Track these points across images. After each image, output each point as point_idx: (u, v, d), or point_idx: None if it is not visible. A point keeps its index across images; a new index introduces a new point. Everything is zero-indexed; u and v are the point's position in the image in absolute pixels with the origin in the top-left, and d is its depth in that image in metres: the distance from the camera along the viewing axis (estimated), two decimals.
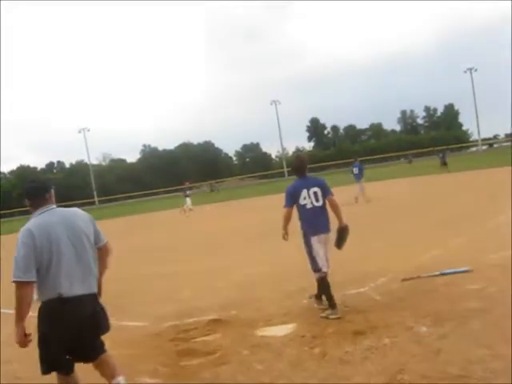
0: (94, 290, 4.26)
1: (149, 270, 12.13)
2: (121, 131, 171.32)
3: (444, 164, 40.44)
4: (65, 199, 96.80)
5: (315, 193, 6.56)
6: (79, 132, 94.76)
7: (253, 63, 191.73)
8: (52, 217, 4.16)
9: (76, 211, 4.42)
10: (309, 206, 6.54)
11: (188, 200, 34.03)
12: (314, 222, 6.58)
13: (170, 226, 27.04)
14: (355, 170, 24.84)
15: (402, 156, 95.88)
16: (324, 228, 6.64)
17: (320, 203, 6.59)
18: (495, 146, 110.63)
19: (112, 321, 7.48)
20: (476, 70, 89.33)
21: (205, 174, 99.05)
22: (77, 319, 4.06)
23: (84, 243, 4.17)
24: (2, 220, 76.37)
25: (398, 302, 6.52)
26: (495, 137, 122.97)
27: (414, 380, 4.18)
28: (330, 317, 6.25)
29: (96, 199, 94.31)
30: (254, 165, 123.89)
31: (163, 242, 18.77)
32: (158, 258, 14.26)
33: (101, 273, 4.41)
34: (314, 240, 6.55)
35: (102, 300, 4.40)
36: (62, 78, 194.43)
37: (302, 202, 6.54)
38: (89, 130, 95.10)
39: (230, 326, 6.56)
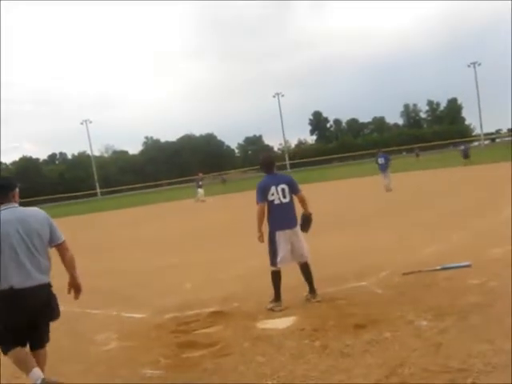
0: (45, 280, 4.70)
1: (150, 262, 12.15)
2: (123, 123, 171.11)
3: (467, 157, 39.75)
4: (67, 191, 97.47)
5: (283, 189, 6.75)
6: (81, 123, 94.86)
7: (256, 55, 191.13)
8: (10, 215, 4.54)
9: (33, 211, 4.81)
10: (276, 201, 6.73)
11: (200, 191, 34.02)
12: (281, 218, 6.77)
13: (172, 218, 27.07)
14: (380, 161, 25.32)
15: (403, 150, 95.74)
16: (290, 223, 6.83)
17: (287, 199, 6.78)
18: (497, 140, 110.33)
19: (113, 312, 7.58)
20: (480, 65, 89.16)
21: (207, 166, 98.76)
22: (28, 309, 4.55)
23: (35, 241, 4.60)
24: None
25: (399, 296, 6.53)
26: (497, 131, 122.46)
27: (414, 373, 4.19)
28: (275, 309, 6.59)
29: (98, 191, 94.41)
30: (256, 157, 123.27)
31: (164, 234, 18.79)
32: (159, 250, 14.29)
33: (68, 268, 4.92)
34: (279, 235, 6.73)
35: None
36: (65, 69, 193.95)
37: (270, 197, 6.72)
38: (91, 122, 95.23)
39: (231, 318, 6.58)
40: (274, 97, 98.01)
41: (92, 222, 34.97)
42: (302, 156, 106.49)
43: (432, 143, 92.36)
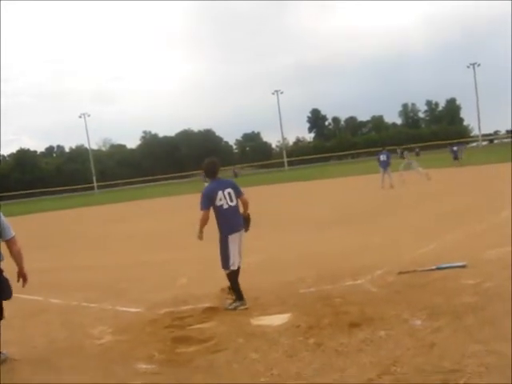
0: None
1: (145, 257, 12.16)
2: (121, 117, 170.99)
3: (456, 158, 40.12)
4: (64, 183, 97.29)
5: (229, 193, 6.93)
6: (80, 117, 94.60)
7: (255, 52, 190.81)
8: None
9: None
10: (225, 206, 6.86)
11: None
12: (231, 221, 6.93)
13: (168, 213, 27.04)
14: (382, 157, 26.11)
15: (401, 149, 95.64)
16: (239, 226, 7.03)
17: (234, 203, 6.97)
18: (495, 141, 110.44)
19: (108, 306, 7.58)
20: (479, 66, 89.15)
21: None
22: None
23: None
24: (1, 203, 76.29)
25: (394, 295, 6.55)
26: (496, 133, 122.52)
27: (407, 373, 4.20)
28: (241, 308, 6.71)
29: (95, 184, 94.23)
30: (254, 154, 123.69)
31: (161, 229, 18.78)
32: (155, 245, 14.29)
33: (15, 261, 5.54)
34: (231, 239, 6.88)
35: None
36: (63, 61, 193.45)
37: (218, 203, 6.84)
38: (89, 115, 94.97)
39: (225, 314, 6.59)
40: (273, 94, 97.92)
41: (88, 215, 34.93)
42: (299, 153, 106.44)
43: (430, 143, 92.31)
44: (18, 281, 5.60)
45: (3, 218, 5.50)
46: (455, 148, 41.88)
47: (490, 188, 18.59)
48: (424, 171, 25.62)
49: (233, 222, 6.93)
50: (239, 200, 7.07)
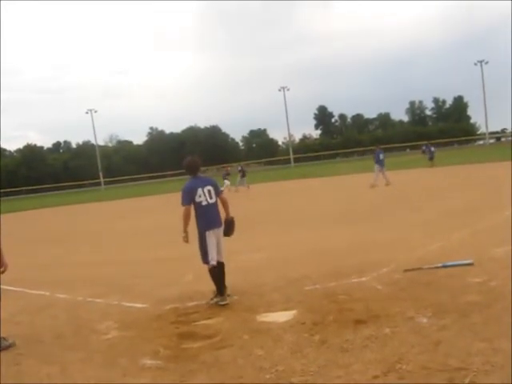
0: None
1: (151, 253, 12.20)
2: (128, 113, 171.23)
3: (431, 159, 40.21)
4: (71, 179, 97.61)
5: (209, 191, 7.11)
6: (86, 113, 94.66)
7: (262, 48, 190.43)
8: None
9: None
10: (204, 202, 7.04)
11: (227, 182, 34.63)
12: (209, 218, 7.09)
13: (174, 209, 27.07)
14: (382, 156, 26.35)
15: (407, 147, 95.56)
16: (218, 223, 7.18)
17: (213, 200, 7.16)
18: (503, 139, 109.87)
19: (114, 302, 7.61)
20: (487, 63, 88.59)
21: (211, 158, 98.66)
22: None
23: None
24: (7, 198, 76.70)
25: (399, 293, 6.54)
26: (503, 131, 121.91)
27: (412, 370, 4.20)
28: (220, 303, 6.85)
29: (102, 180, 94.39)
30: (260, 151, 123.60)
31: (166, 225, 18.79)
32: (161, 241, 14.31)
33: None
34: (209, 234, 7.03)
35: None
36: (71, 58, 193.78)
37: (197, 199, 7.02)
38: (96, 111, 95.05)
39: (231, 310, 6.60)
40: (279, 90, 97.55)
41: (94, 211, 35.03)
42: (306, 150, 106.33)
43: (436, 141, 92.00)
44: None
45: None
46: (433, 149, 41.78)
47: (495, 186, 18.50)
48: (386, 176, 25.88)
49: (211, 218, 7.10)
50: (218, 199, 7.26)
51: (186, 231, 7.00)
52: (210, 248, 7.01)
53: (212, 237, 7.05)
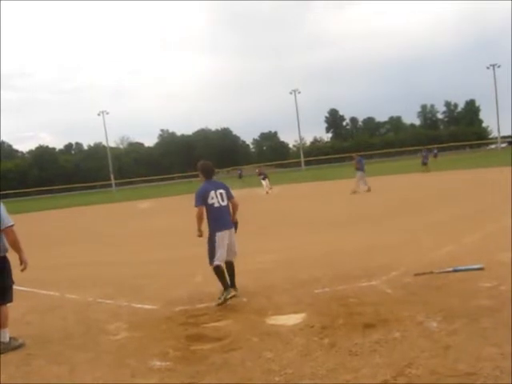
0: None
1: (161, 254, 12.23)
2: (139, 115, 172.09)
3: (424, 164, 40.16)
4: (82, 181, 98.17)
5: (221, 194, 7.40)
6: (98, 114, 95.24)
7: (274, 51, 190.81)
8: None
9: None
10: (216, 205, 7.32)
11: (264, 182, 34.88)
12: (220, 219, 7.34)
13: (185, 211, 27.14)
14: (363, 163, 26.86)
15: (418, 151, 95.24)
16: (229, 224, 7.45)
17: (225, 203, 7.43)
18: None
19: (123, 303, 7.64)
20: (499, 67, 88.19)
21: (222, 160, 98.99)
22: None
23: None
24: (18, 199, 77.21)
25: (409, 297, 6.51)
26: None
27: (422, 375, 4.18)
28: (227, 297, 7.04)
29: (113, 182, 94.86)
30: (271, 153, 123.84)
31: (177, 226, 18.84)
32: (171, 242, 14.36)
33: (13, 248, 5.91)
34: (219, 235, 7.26)
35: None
36: (83, 60, 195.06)
37: (210, 201, 7.30)
38: (108, 113, 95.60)
39: (240, 312, 6.61)
40: (290, 93, 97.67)
41: (105, 212, 35.19)
42: (316, 153, 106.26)
43: (448, 144, 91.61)
44: (21, 264, 5.98)
45: (1, 208, 5.84)
46: (424, 153, 41.66)
47: (507, 191, 18.36)
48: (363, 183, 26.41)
49: (222, 220, 7.34)
50: (230, 202, 7.52)
51: (200, 230, 7.29)
52: (218, 249, 7.22)
53: (222, 238, 7.24)
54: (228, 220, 7.44)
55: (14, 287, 6.07)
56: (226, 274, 7.29)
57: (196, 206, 7.30)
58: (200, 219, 7.27)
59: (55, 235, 21.74)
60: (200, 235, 7.34)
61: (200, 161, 7.75)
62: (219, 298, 7.06)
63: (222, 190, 7.41)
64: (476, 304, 5.92)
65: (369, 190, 25.48)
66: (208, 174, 7.56)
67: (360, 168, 26.58)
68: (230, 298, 7.05)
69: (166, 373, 4.83)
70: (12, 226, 5.88)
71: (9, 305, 5.97)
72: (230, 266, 7.45)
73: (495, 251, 8.54)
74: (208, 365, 4.92)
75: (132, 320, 6.74)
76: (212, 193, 7.29)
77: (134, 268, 10.92)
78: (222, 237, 7.26)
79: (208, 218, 7.32)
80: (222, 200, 7.36)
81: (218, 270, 7.24)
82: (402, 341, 5.00)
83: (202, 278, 8.64)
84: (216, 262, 7.20)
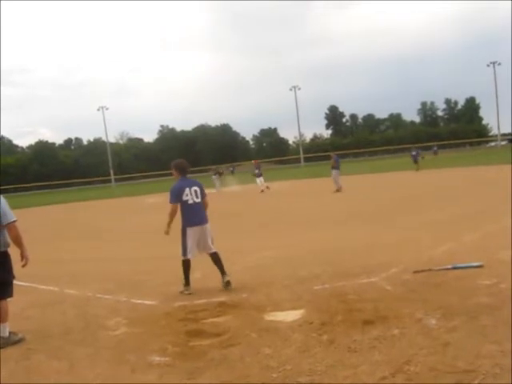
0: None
1: (161, 250, 12.21)
2: (139, 111, 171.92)
3: (415, 162, 40.29)
4: (82, 176, 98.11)
5: (195, 191, 7.79)
6: (98, 110, 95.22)
7: (274, 49, 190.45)
8: None
9: None
10: (190, 201, 7.71)
11: (257, 180, 34.34)
12: (193, 216, 7.73)
13: None
14: (339, 162, 27.57)
15: (418, 148, 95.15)
16: (202, 220, 7.82)
17: (199, 200, 7.83)
18: None
19: (123, 298, 7.64)
20: (500, 64, 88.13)
21: (221, 156, 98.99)
22: None
23: None
24: (18, 194, 77.19)
25: (408, 294, 6.51)
26: None
27: (421, 372, 4.18)
28: (185, 292, 7.58)
29: (112, 177, 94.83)
30: (270, 150, 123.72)
31: (177, 222, 18.85)
32: (170, 238, 14.33)
33: (15, 243, 5.93)
34: (190, 230, 7.68)
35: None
36: (84, 56, 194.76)
37: (184, 198, 7.68)
38: (107, 109, 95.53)
39: (239, 308, 6.60)
40: (290, 90, 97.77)
41: (105, 208, 35.18)
42: (316, 150, 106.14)
43: (448, 141, 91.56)
44: (22, 260, 5.98)
45: (4, 203, 5.87)
46: (414, 153, 41.82)
47: (507, 189, 18.37)
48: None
49: (194, 216, 7.72)
50: (203, 201, 7.92)
51: (169, 226, 7.81)
52: (189, 243, 7.65)
53: (193, 233, 7.68)
54: (201, 216, 7.80)
55: (14, 282, 6.08)
56: (190, 271, 7.73)
57: (171, 203, 7.76)
58: (172, 216, 7.73)
59: (54, 230, 21.74)
60: (167, 233, 7.78)
61: (176, 159, 8.17)
62: (183, 286, 7.68)
63: (196, 188, 7.80)
64: (475, 301, 5.92)
65: (339, 189, 25.73)
66: (183, 172, 7.95)
67: (336, 167, 26.91)
68: (188, 294, 7.52)
69: (165, 368, 4.84)
70: (15, 221, 5.91)
71: (9, 299, 5.97)
72: (214, 257, 7.83)
73: (495, 249, 8.54)
74: (207, 360, 4.92)
75: (131, 315, 6.75)
76: (187, 190, 7.68)
77: (133, 264, 10.92)
78: (194, 232, 7.66)
79: (181, 214, 7.71)
80: (197, 197, 7.75)
81: (184, 264, 7.71)
82: (400, 338, 5.00)
83: (200, 274, 8.64)
84: (187, 256, 7.67)
